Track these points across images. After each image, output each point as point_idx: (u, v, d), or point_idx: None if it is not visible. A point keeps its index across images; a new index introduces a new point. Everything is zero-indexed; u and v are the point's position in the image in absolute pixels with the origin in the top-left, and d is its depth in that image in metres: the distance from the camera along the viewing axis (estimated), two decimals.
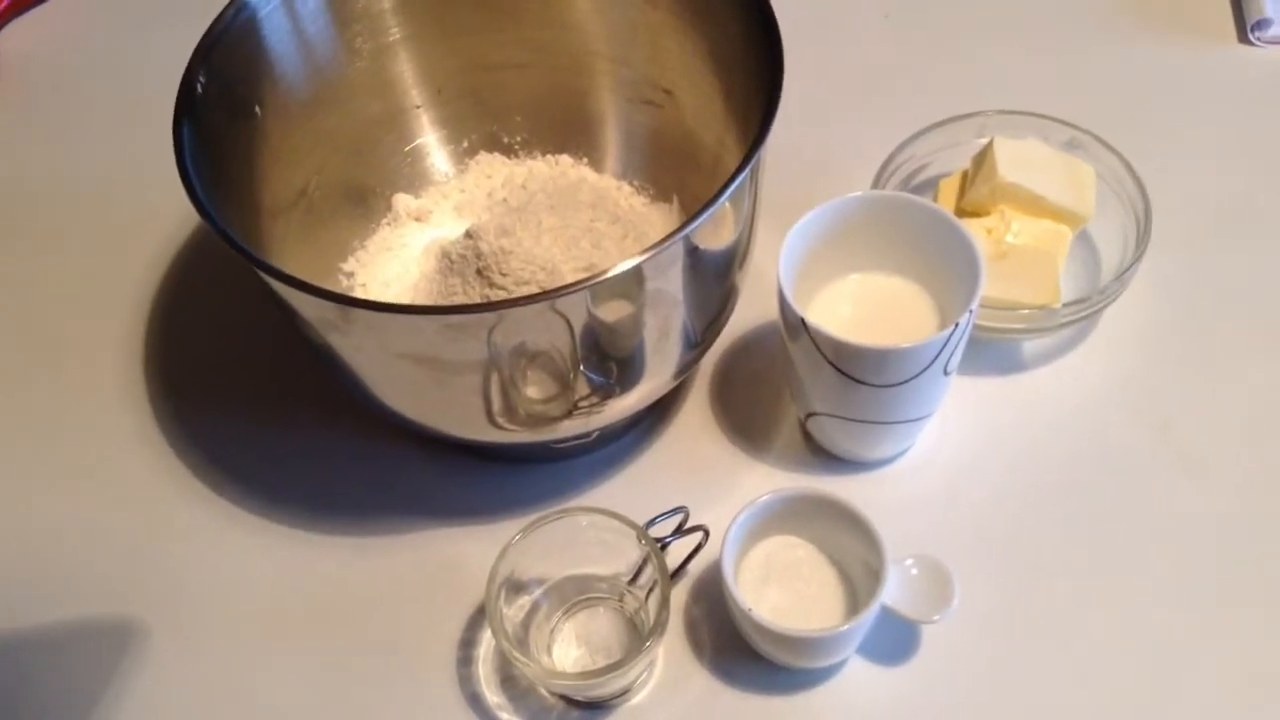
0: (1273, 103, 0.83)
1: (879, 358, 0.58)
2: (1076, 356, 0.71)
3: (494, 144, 0.77)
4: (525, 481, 0.68)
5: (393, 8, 0.69)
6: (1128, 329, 0.72)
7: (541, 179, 0.75)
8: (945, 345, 0.58)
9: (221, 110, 0.60)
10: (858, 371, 0.59)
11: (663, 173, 0.74)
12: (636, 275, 0.54)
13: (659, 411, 0.71)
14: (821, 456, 0.68)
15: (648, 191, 0.75)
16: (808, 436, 0.69)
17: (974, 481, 0.67)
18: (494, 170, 0.76)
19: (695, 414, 0.71)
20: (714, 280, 0.61)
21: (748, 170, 0.55)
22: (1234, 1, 0.88)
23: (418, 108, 0.73)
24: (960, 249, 0.61)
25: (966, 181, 0.73)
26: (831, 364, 0.60)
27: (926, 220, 0.62)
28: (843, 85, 0.86)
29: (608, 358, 0.59)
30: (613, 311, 0.56)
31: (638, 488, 0.68)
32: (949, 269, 0.62)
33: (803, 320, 0.59)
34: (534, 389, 0.59)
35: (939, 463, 0.68)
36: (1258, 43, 0.85)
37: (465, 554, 0.66)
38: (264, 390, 0.72)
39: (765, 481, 0.68)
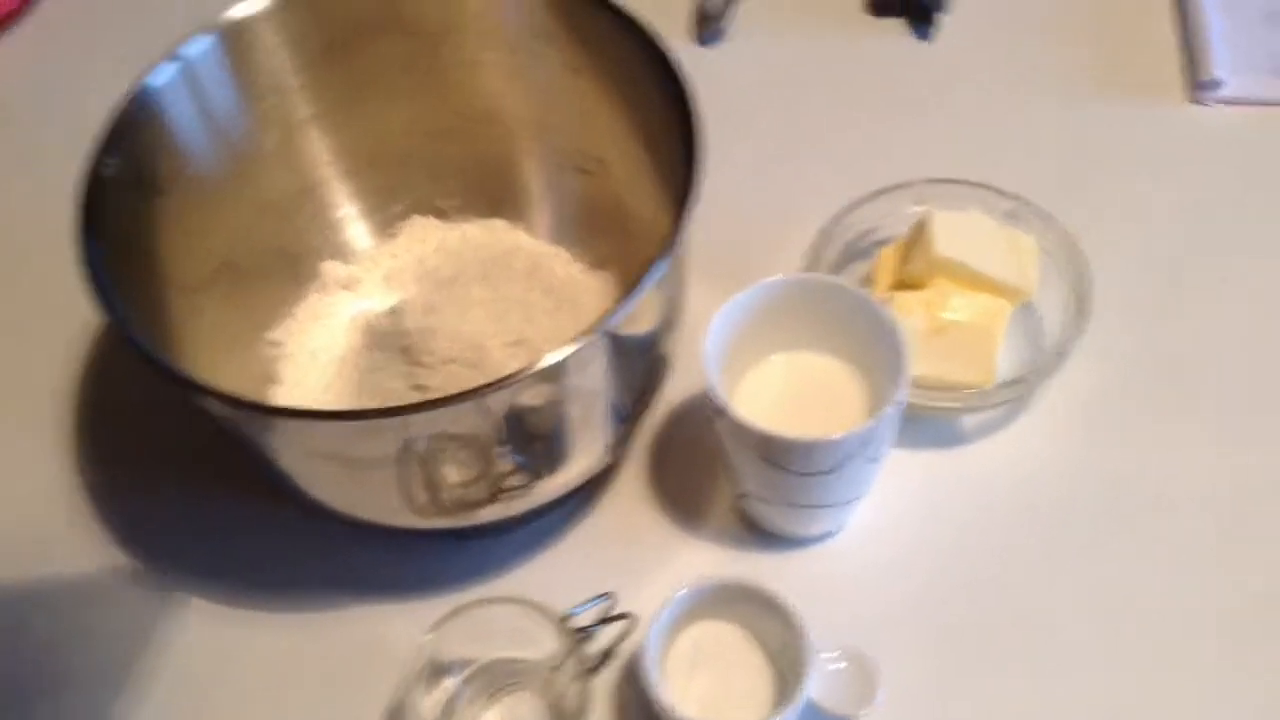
0: (1222, 163, 0.82)
1: (804, 449, 0.57)
2: (1017, 429, 0.70)
3: (427, 208, 0.75)
4: (455, 557, 0.66)
5: (304, 84, 0.67)
6: (1070, 401, 0.71)
7: (475, 245, 0.73)
8: (871, 436, 0.57)
9: (130, 191, 0.59)
10: (783, 460, 0.58)
11: (599, 241, 0.73)
12: (558, 367, 0.52)
13: (595, 482, 0.69)
14: (757, 532, 0.67)
15: (585, 259, 0.73)
16: (743, 511, 0.67)
17: (911, 559, 0.66)
18: (427, 235, 0.74)
19: (632, 484, 0.70)
20: (641, 356, 0.61)
21: (670, 256, 0.54)
22: (1184, 61, 0.87)
23: (346, 174, 0.72)
24: (886, 336, 0.60)
25: (904, 252, 0.71)
26: (757, 453, 0.59)
27: (853, 304, 0.61)
28: (786, 148, 0.85)
29: (534, 441, 0.58)
30: (536, 398, 0.55)
31: (570, 563, 0.67)
32: (878, 352, 0.61)
33: (727, 410, 0.57)
34: (456, 477, 0.58)
35: (877, 538, 0.67)
36: (1207, 103, 0.84)
37: (391, 632, 0.64)
38: (185, 462, 0.71)
39: (699, 558, 0.67)
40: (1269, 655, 0.62)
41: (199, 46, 0.62)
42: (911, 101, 0.87)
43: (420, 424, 0.51)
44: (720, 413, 0.58)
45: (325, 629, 0.65)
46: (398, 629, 0.64)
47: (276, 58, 0.65)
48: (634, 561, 0.67)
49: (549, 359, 0.50)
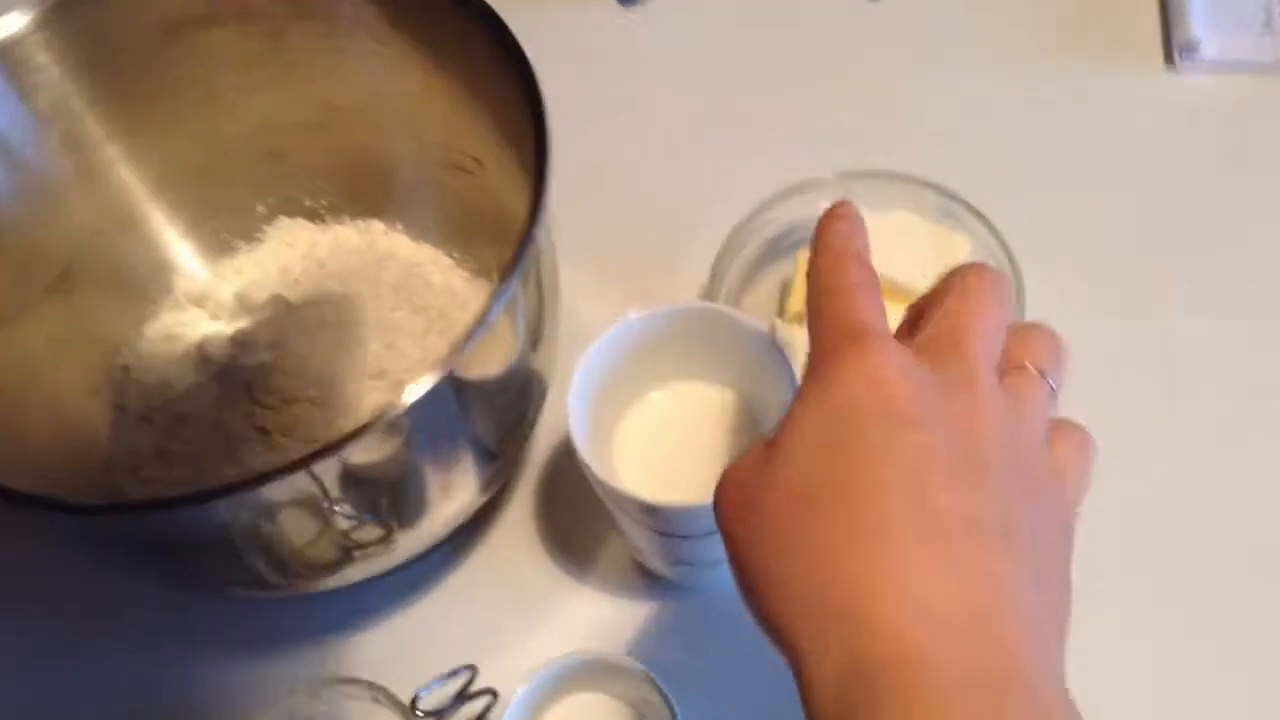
0: (1201, 135, 0.73)
1: (673, 514, 0.50)
2: None
3: (296, 209, 0.67)
4: (304, 611, 0.60)
5: (99, 98, 0.59)
6: None
7: (346, 251, 0.66)
8: None
9: None
10: (657, 524, 0.52)
11: (482, 245, 0.65)
12: (394, 423, 0.46)
13: (474, 521, 0.63)
14: (649, 577, 0.61)
15: (468, 265, 0.66)
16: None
17: None
18: (296, 238, 0.67)
19: (516, 522, 0.63)
20: (504, 388, 0.53)
21: (513, 281, 0.47)
22: (1162, 24, 0.77)
23: (197, 175, 0.64)
24: (778, 371, 0.52)
25: None
26: (632, 517, 0.52)
27: (741, 334, 0.54)
28: (706, 128, 0.76)
29: (381, 495, 0.52)
30: (379, 452, 0.48)
31: (442, 616, 0.60)
32: (769, 384, 0.53)
33: (595, 475, 0.50)
34: (297, 543, 0.51)
35: None
36: (1185, 67, 0.75)
37: (227, 698, 0.59)
38: None
39: (585, 606, 0.61)
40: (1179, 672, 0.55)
41: None
42: (853, 72, 0.78)
43: (218, 509, 0.44)
44: (589, 471, 0.51)
45: (152, 694, 0.59)
46: (229, 695, 0.58)
47: (54, 76, 0.57)
48: (514, 611, 0.61)
49: (364, 428, 0.43)
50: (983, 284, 0.39)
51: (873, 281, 0.39)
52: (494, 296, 0.46)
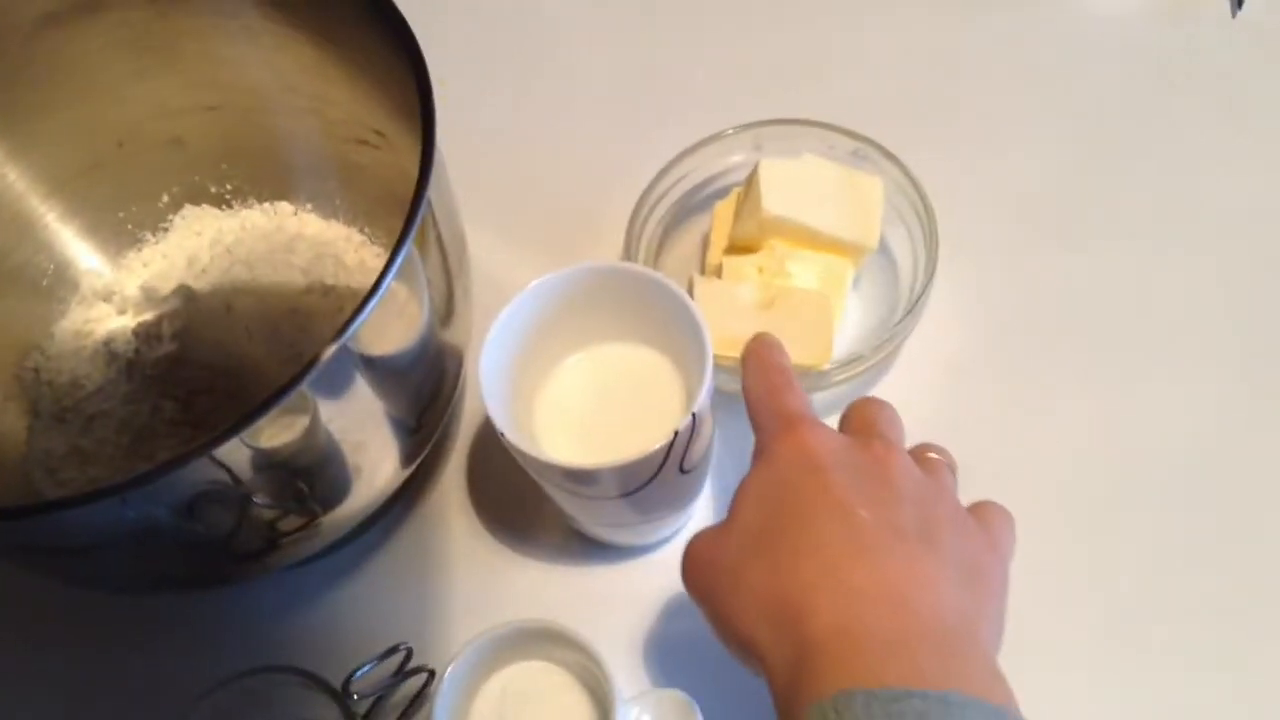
0: (1098, 53, 0.73)
1: (591, 475, 0.49)
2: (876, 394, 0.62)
3: (201, 195, 0.66)
4: (237, 596, 0.59)
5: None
6: (931, 357, 0.63)
7: (254, 236, 0.65)
8: (669, 452, 0.49)
9: None
10: (577, 486, 0.51)
11: (392, 219, 0.62)
12: (300, 399, 0.45)
13: (406, 494, 0.62)
14: (587, 542, 0.60)
15: (380, 240, 0.65)
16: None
17: None
18: (203, 226, 0.66)
19: (451, 493, 0.62)
20: (415, 361, 0.52)
21: (403, 251, 0.46)
22: None
23: (90, 170, 0.62)
24: (690, 327, 0.51)
25: (739, 206, 0.63)
26: (551, 481, 0.51)
27: (653, 291, 0.53)
28: (613, 84, 0.75)
29: (297, 479, 0.51)
30: (287, 434, 0.47)
31: (379, 594, 0.60)
32: (685, 341, 0.53)
33: (508, 438, 0.49)
34: (218, 534, 0.50)
35: None
36: None
37: (164, 689, 0.56)
38: None
39: (524, 575, 0.60)
40: (1144, 639, 0.55)
41: None
42: (757, 21, 0.77)
43: (128, 502, 0.43)
44: (503, 438, 0.50)
45: (84, 689, 0.58)
46: (166, 685, 0.55)
47: None
48: (453, 583, 0.60)
49: (259, 409, 0.42)
50: (879, 402, 0.48)
51: (795, 383, 0.48)
52: (384, 268, 0.45)
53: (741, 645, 0.42)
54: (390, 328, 0.48)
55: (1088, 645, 0.56)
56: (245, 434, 0.43)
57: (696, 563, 0.45)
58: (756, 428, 0.47)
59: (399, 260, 0.45)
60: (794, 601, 0.39)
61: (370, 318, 0.44)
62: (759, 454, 0.46)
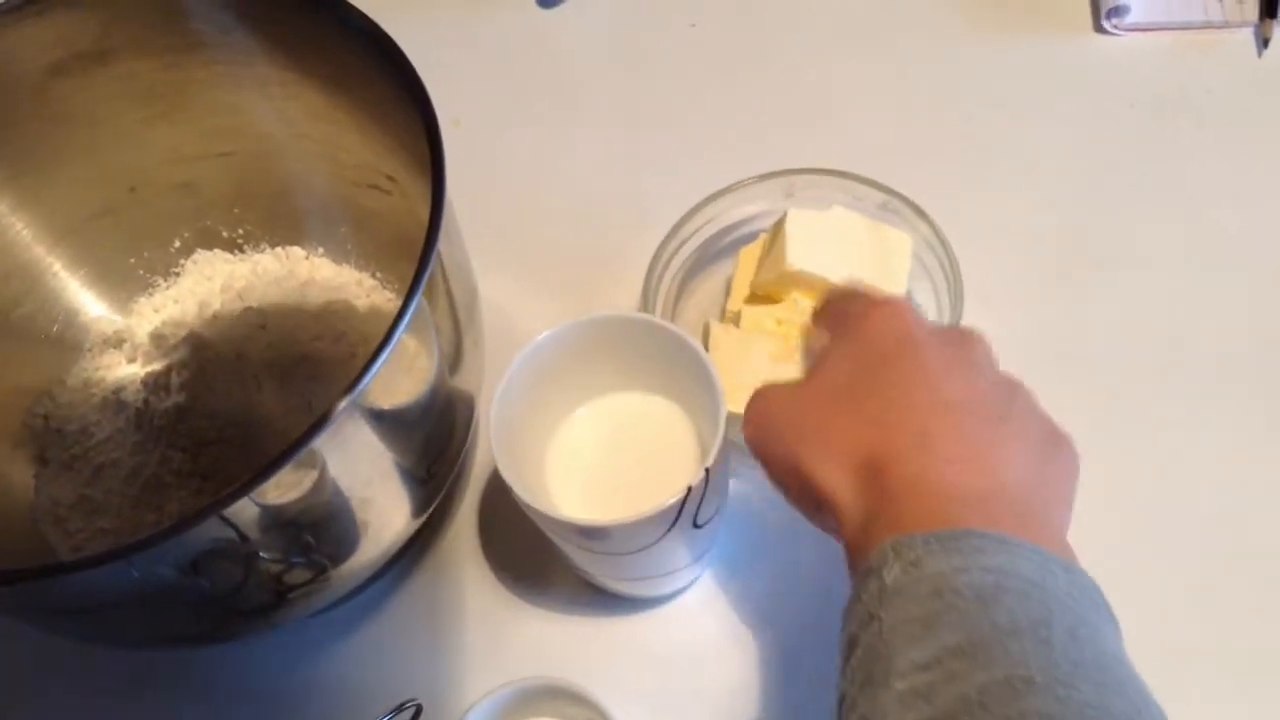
0: (1127, 97, 0.72)
1: (603, 532, 0.49)
2: None
3: (213, 240, 0.66)
4: (247, 650, 0.58)
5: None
6: None
7: (265, 281, 0.64)
8: (682, 508, 0.48)
9: None
10: (589, 542, 0.50)
11: (404, 264, 0.62)
12: (309, 455, 0.44)
13: (417, 544, 0.61)
14: (599, 593, 0.59)
15: (392, 285, 0.64)
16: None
17: (775, 613, 0.58)
18: (214, 271, 0.65)
19: (461, 542, 0.62)
20: (425, 412, 0.52)
21: (413, 305, 0.45)
22: None
23: (101, 215, 0.62)
24: (703, 381, 0.51)
25: (764, 254, 0.62)
26: (562, 537, 0.50)
27: (669, 343, 0.52)
28: (636, 129, 0.75)
29: (305, 533, 0.50)
30: (296, 490, 0.47)
31: (389, 645, 0.59)
32: (698, 392, 0.52)
33: (518, 495, 0.49)
34: (225, 588, 0.49)
35: (733, 592, 0.59)
36: (1114, 31, 0.74)
37: None
38: None
39: (535, 626, 0.59)
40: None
41: None
42: (779, 59, 0.76)
43: (134, 565, 0.43)
44: (512, 493, 0.50)
45: None
46: None
47: None
48: (463, 635, 0.59)
49: (268, 469, 0.42)
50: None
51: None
52: (395, 320, 0.45)
53: (813, 493, 0.42)
54: (401, 381, 0.48)
55: None
56: (254, 492, 0.42)
57: (767, 412, 0.45)
58: (836, 316, 0.47)
59: (409, 314, 0.44)
60: (880, 454, 0.40)
61: (381, 371, 0.44)
62: (843, 331, 0.45)
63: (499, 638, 0.59)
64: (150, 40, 0.56)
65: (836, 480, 0.41)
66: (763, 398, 0.46)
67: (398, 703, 0.54)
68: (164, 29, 0.56)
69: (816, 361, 0.46)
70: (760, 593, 0.58)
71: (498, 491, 0.62)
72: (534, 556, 0.60)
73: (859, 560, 0.38)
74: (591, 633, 0.58)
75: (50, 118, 0.58)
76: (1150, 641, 0.52)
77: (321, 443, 0.44)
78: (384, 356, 0.44)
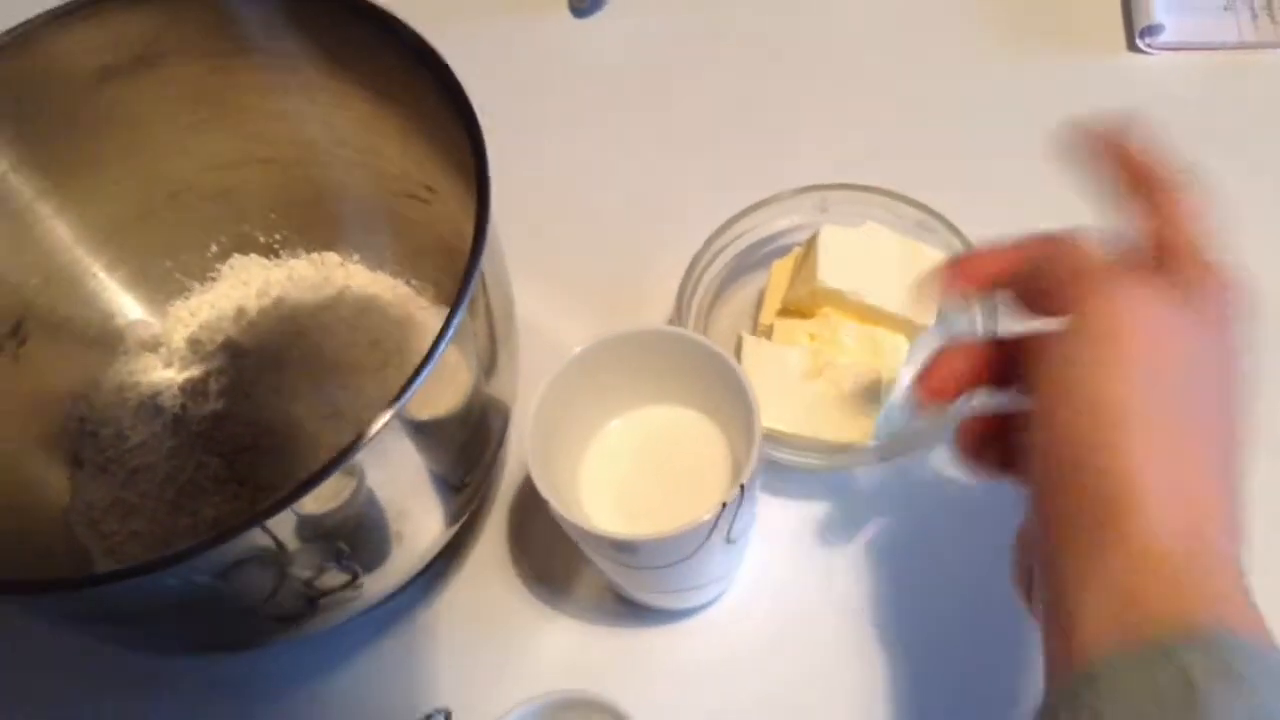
0: (1169, 116, 0.72)
1: (637, 546, 0.49)
2: (923, 472, 0.61)
3: (250, 245, 0.66)
4: (276, 656, 0.59)
5: (37, 148, 0.58)
6: None
7: (301, 288, 0.65)
8: (715, 524, 0.49)
9: None
10: (622, 555, 0.50)
11: (441, 272, 0.64)
12: (349, 469, 0.44)
13: (447, 552, 0.61)
14: (627, 604, 0.59)
15: (427, 293, 0.65)
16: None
17: (799, 629, 0.58)
18: (250, 276, 0.66)
19: (490, 551, 0.62)
20: (461, 422, 0.52)
21: (458, 317, 0.46)
22: (1123, 8, 0.76)
23: (140, 219, 0.63)
24: (739, 396, 0.51)
25: (797, 268, 0.62)
26: (594, 548, 0.51)
27: (702, 356, 0.52)
28: (670, 139, 0.75)
29: (340, 541, 0.50)
30: (334, 500, 0.47)
31: (417, 653, 0.59)
32: (732, 407, 0.52)
33: (553, 508, 0.49)
34: (258, 598, 0.50)
35: (759, 607, 0.59)
36: (1148, 50, 0.74)
37: None
38: None
39: (563, 636, 0.59)
40: None
41: None
42: (812, 74, 0.77)
43: (163, 579, 0.43)
44: (549, 506, 0.50)
45: None
46: None
47: None
48: (490, 643, 0.59)
49: (310, 480, 0.42)
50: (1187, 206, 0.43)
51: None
52: (440, 334, 0.45)
53: (1106, 497, 0.36)
54: (440, 392, 0.48)
55: None
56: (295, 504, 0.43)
57: (1127, 378, 0.38)
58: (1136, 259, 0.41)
59: (453, 328, 0.45)
60: (1215, 514, 0.36)
61: (423, 384, 0.44)
62: (1182, 288, 0.39)
63: (526, 647, 0.59)
64: (199, 45, 0.57)
65: (1163, 519, 0.35)
66: (1130, 359, 0.38)
67: (427, 711, 0.54)
68: (215, 34, 0.57)
69: (1142, 322, 0.38)
70: (789, 608, 0.58)
71: (527, 501, 0.63)
72: (562, 566, 0.60)
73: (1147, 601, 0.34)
74: (618, 644, 0.59)
75: (96, 120, 0.58)
76: None
77: (362, 454, 0.44)
78: (427, 371, 0.44)
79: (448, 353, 0.46)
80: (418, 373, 0.45)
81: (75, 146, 0.58)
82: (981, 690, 0.55)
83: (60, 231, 0.60)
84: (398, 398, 0.44)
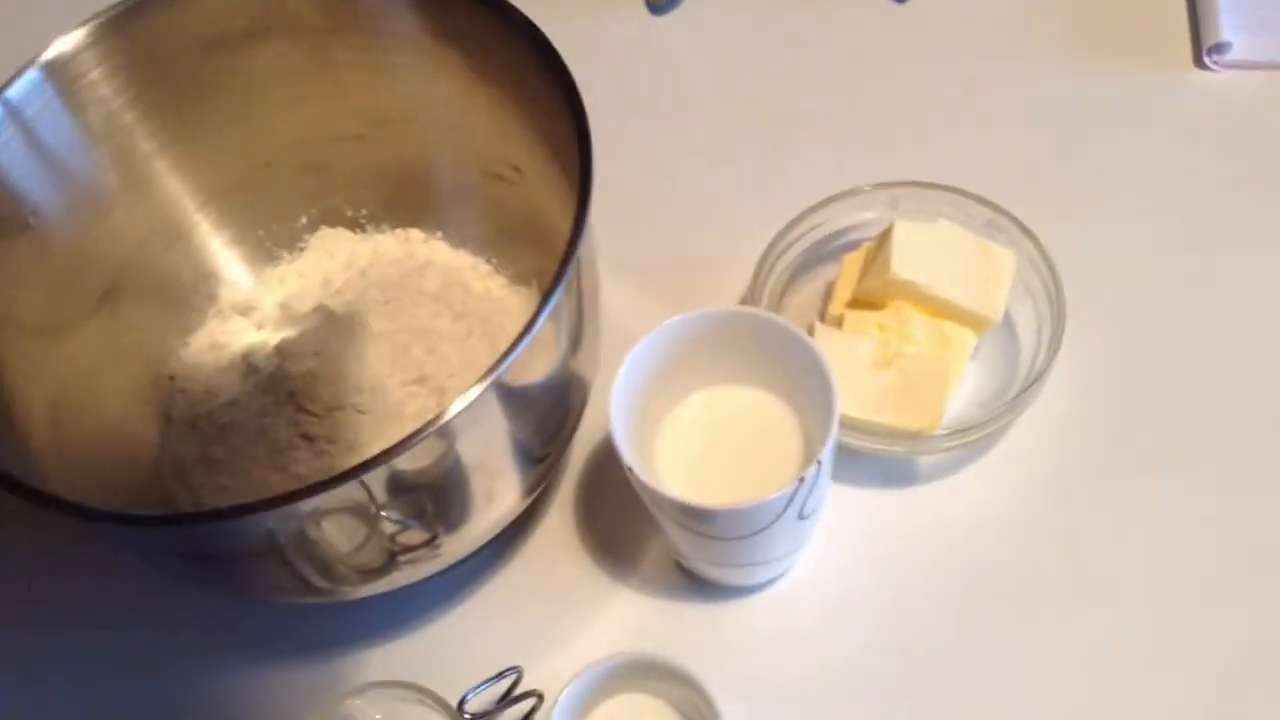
0: (1233, 134, 0.73)
1: (715, 515, 0.51)
2: (979, 465, 0.63)
3: (337, 218, 0.69)
4: (356, 615, 0.61)
5: (149, 110, 0.61)
6: (1042, 435, 0.63)
7: (386, 260, 0.67)
8: (793, 497, 0.50)
9: None
10: (698, 525, 0.52)
11: (521, 252, 0.66)
12: (443, 431, 0.46)
13: (518, 523, 0.63)
14: (691, 579, 0.61)
15: (506, 272, 0.67)
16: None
17: (858, 612, 0.60)
18: (337, 248, 0.68)
19: (557, 527, 0.64)
20: (547, 394, 0.54)
21: (559, 291, 0.48)
22: (1191, 25, 0.78)
23: (238, 187, 0.65)
24: (818, 377, 0.53)
25: (868, 262, 0.64)
26: (672, 518, 0.53)
27: (783, 338, 0.54)
28: (745, 133, 0.77)
29: (427, 500, 0.52)
30: (426, 459, 0.49)
31: (486, 619, 0.61)
32: (809, 389, 0.54)
33: (636, 474, 0.51)
34: (346, 549, 0.52)
35: (819, 587, 0.61)
36: (1214, 67, 0.76)
37: (284, 702, 0.59)
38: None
39: (629, 610, 0.61)
40: (1243, 714, 0.55)
41: (23, 87, 0.56)
42: (885, 75, 0.79)
43: (270, 519, 0.45)
44: (631, 473, 0.52)
45: (210, 699, 0.60)
46: (285, 700, 0.59)
47: (106, 91, 0.58)
48: (557, 613, 0.61)
49: (415, 436, 0.44)
50: None
51: None
52: (540, 306, 0.47)
53: None
54: (532, 364, 0.50)
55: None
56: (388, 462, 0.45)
57: None
58: None
59: (551, 303, 0.47)
60: None
61: (519, 356, 0.46)
62: None
63: (591, 616, 0.61)
64: (305, 22, 0.60)
65: None
66: None
67: (494, 670, 0.56)
68: (320, 11, 0.59)
69: None
70: (849, 589, 0.60)
71: (595, 479, 0.65)
72: (627, 543, 0.62)
73: None
74: (681, 618, 0.60)
75: (205, 87, 0.61)
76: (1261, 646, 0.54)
77: (459, 416, 0.46)
78: (527, 340, 0.46)
79: (543, 326, 0.48)
80: (517, 342, 0.47)
81: (187, 110, 0.61)
82: (1040, 668, 0.57)
83: (171, 188, 0.63)
84: (498, 364, 0.46)
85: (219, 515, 0.45)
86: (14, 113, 0.56)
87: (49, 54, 0.56)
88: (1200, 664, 0.57)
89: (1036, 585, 0.59)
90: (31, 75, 0.56)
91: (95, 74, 0.57)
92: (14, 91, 0.56)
